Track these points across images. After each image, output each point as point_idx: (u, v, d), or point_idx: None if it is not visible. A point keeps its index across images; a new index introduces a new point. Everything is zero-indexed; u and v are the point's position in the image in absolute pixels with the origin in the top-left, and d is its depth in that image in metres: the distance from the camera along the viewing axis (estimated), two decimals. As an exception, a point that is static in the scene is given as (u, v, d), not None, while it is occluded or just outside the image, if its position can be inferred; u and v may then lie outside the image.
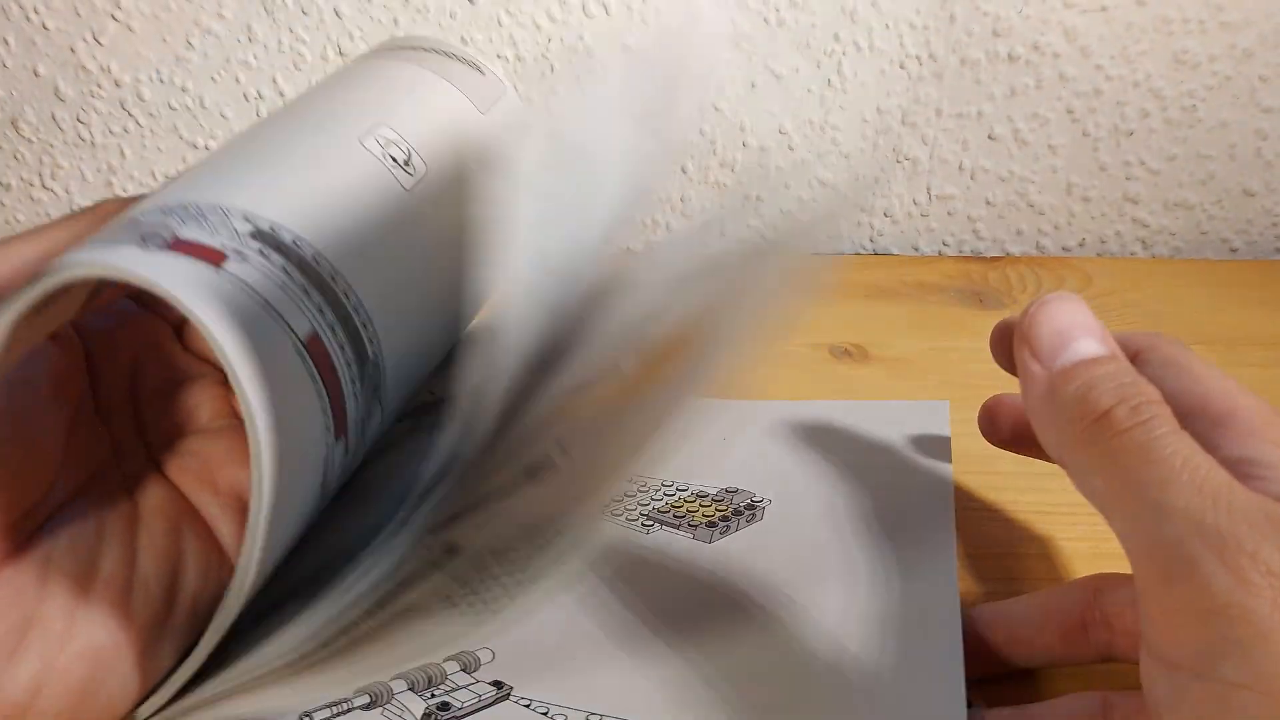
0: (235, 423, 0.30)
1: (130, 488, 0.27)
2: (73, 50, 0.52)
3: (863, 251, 0.56)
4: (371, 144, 0.30)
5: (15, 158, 0.55)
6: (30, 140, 0.54)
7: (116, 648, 0.24)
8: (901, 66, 0.50)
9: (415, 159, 0.31)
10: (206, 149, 0.54)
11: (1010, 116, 0.51)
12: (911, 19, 0.49)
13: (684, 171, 0.53)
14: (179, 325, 0.31)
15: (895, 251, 0.56)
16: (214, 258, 0.24)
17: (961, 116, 0.51)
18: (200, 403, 0.30)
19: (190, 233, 0.24)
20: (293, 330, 0.24)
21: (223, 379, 0.30)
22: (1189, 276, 0.52)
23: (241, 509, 0.27)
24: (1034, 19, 0.49)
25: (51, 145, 0.54)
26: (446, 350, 0.35)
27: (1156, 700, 0.21)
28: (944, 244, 0.55)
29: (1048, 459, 0.26)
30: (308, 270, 0.26)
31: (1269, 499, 0.20)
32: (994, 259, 0.54)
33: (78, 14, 0.51)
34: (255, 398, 0.21)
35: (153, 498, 0.27)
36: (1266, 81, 0.50)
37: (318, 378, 0.25)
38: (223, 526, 0.27)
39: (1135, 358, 0.24)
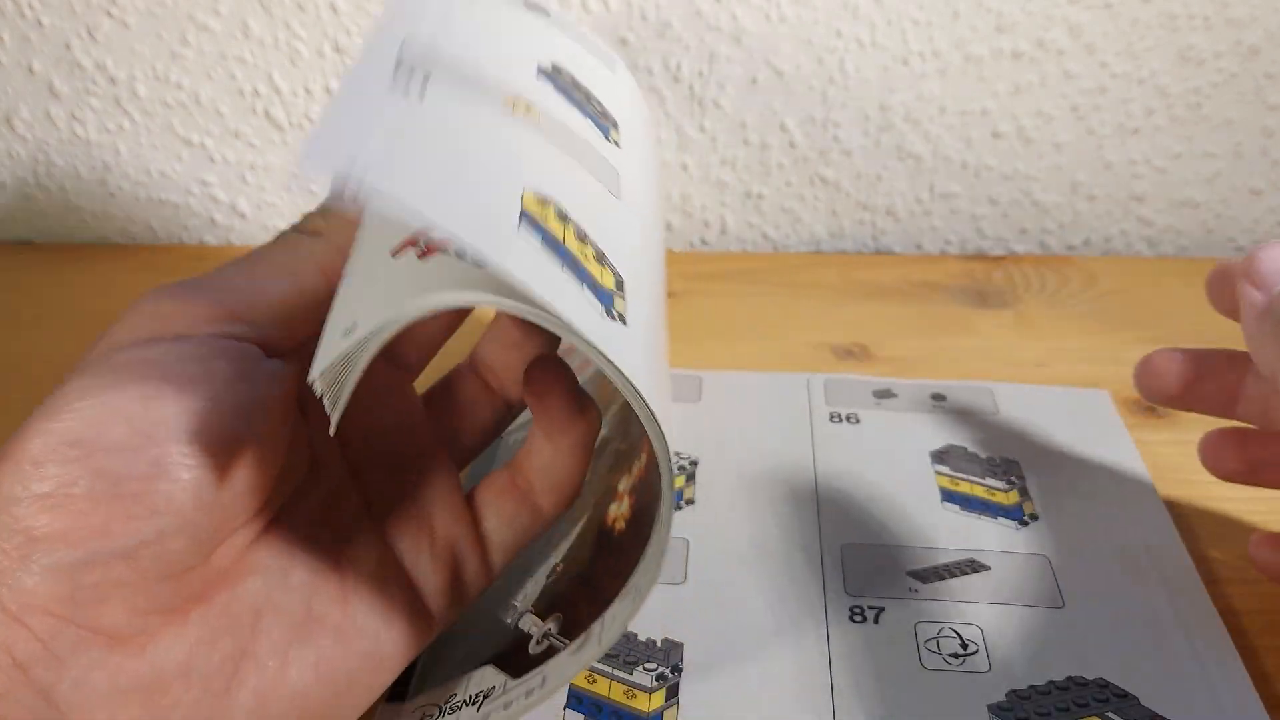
0: (447, 468, 0.29)
1: (344, 536, 0.26)
2: (67, 47, 0.51)
3: (865, 250, 0.55)
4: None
5: (10, 155, 0.54)
6: (25, 138, 0.54)
7: (325, 691, 0.24)
8: (904, 63, 0.50)
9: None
10: (202, 146, 0.53)
11: (1014, 114, 0.51)
12: (914, 15, 0.48)
13: (685, 169, 0.53)
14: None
15: (898, 250, 0.55)
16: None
17: (965, 114, 0.51)
18: (417, 450, 0.29)
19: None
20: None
21: (437, 423, 0.29)
22: (1195, 276, 0.51)
23: (451, 561, 0.27)
24: (1038, 15, 0.48)
25: (46, 143, 0.54)
26: None
27: None
28: (947, 242, 0.55)
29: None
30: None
31: None
32: (998, 258, 0.53)
33: (73, 10, 0.50)
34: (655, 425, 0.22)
35: (365, 550, 0.26)
36: (1273, 79, 0.49)
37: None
38: (429, 583, 0.27)
39: None
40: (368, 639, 0.25)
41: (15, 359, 0.46)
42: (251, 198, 0.55)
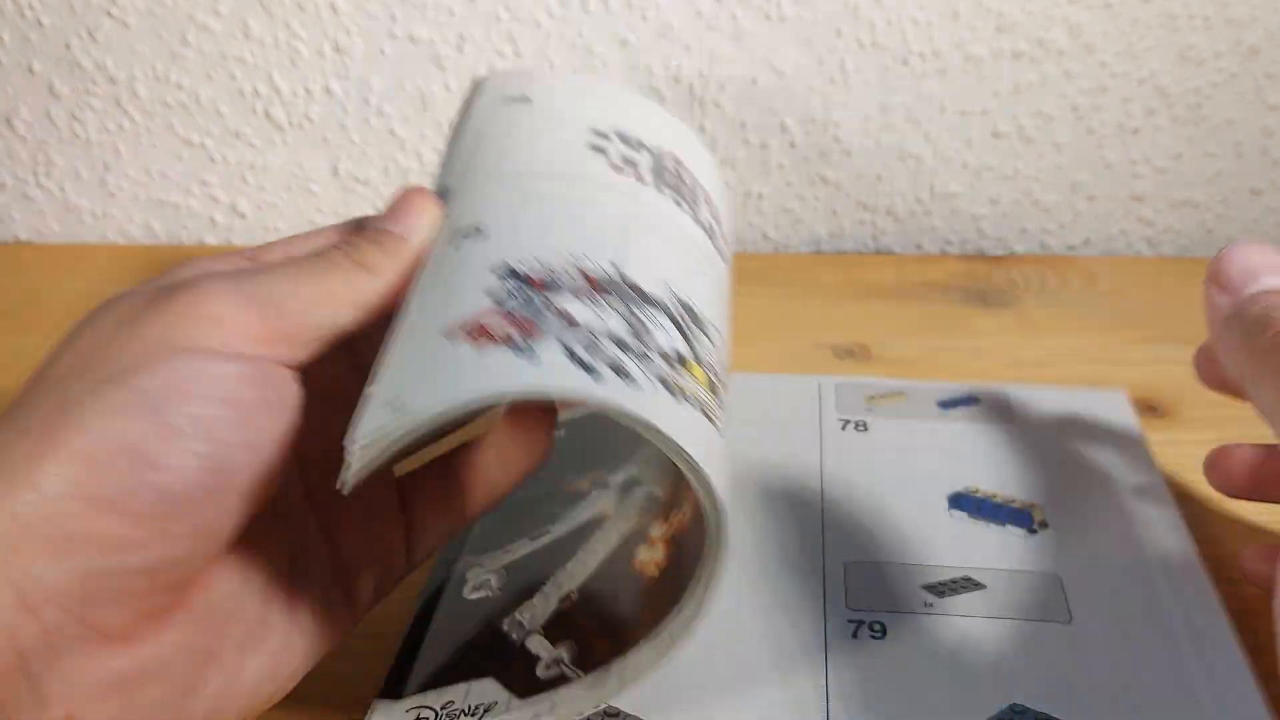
0: (388, 478, 0.30)
1: (298, 543, 0.27)
2: (68, 47, 0.51)
3: (865, 250, 0.55)
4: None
5: (10, 155, 0.54)
6: (25, 138, 0.54)
7: (271, 687, 0.25)
8: (904, 63, 0.50)
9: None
10: (202, 146, 0.53)
11: (1014, 114, 0.51)
12: (915, 15, 0.48)
13: (685, 169, 0.53)
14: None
15: (898, 250, 0.55)
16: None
17: (965, 114, 0.51)
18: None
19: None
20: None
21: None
22: (1195, 276, 0.50)
23: (384, 562, 0.28)
24: (1038, 15, 0.48)
25: (46, 143, 0.54)
26: None
27: None
28: (947, 242, 0.55)
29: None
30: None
31: None
32: (998, 258, 0.53)
33: (73, 11, 0.50)
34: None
35: (314, 557, 0.27)
36: (1273, 79, 0.49)
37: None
38: (363, 584, 0.28)
39: None
40: (309, 637, 0.26)
41: (15, 359, 0.46)
42: (251, 198, 0.55)
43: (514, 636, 0.29)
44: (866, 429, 0.39)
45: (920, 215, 0.54)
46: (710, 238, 0.30)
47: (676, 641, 0.24)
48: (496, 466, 0.29)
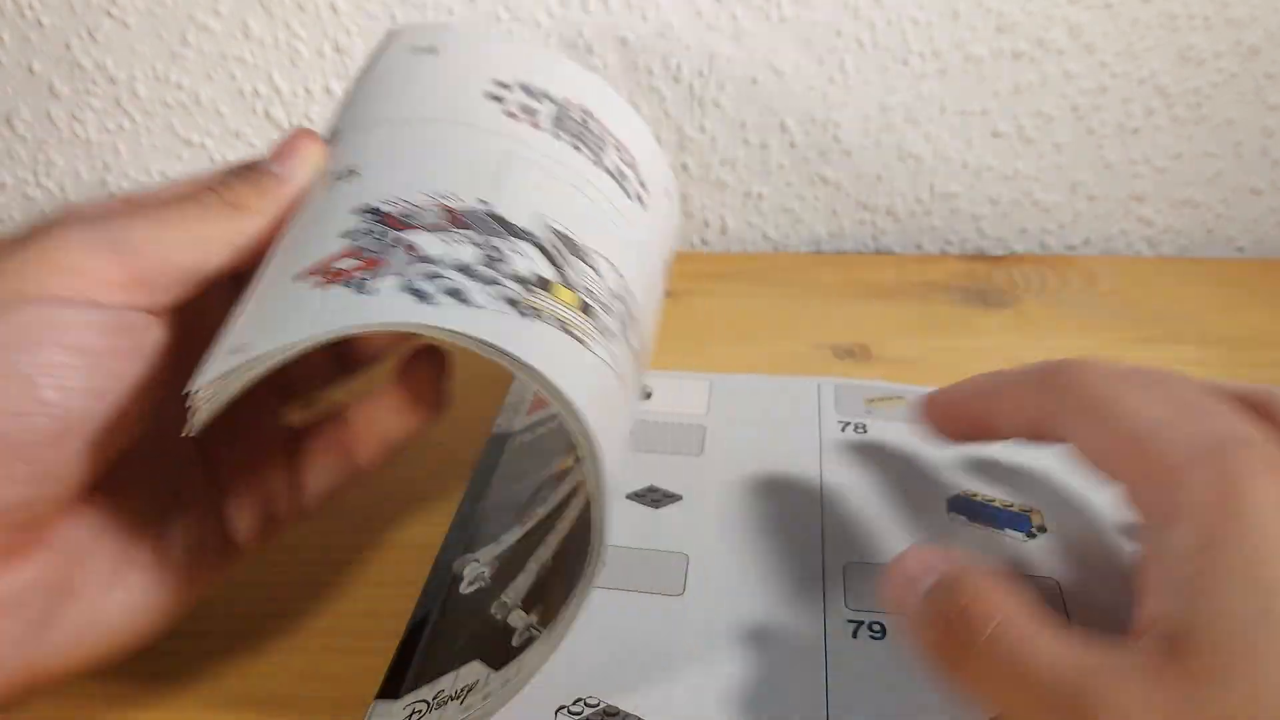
0: (275, 417, 0.30)
1: (173, 482, 0.27)
2: (68, 47, 0.51)
3: (865, 250, 0.55)
4: None
5: (10, 155, 0.54)
6: (25, 138, 0.54)
7: (137, 622, 0.25)
8: (904, 63, 0.50)
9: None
10: (202, 146, 0.53)
11: (1014, 114, 0.51)
12: (914, 15, 0.48)
13: (685, 169, 0.53)
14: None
15: (898, 250, 0.55)
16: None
17: (965, 113, 0.51)
18: (255, 405, 0.29)
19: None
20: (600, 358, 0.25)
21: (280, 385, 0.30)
22: (1195, 276, 0.51)
23: (268, 506, 0.28)
24: (1038, 15, 0.48)
25: (46, 142, 0.54)
26: None
27: None
28: (947, 242, 0.55)
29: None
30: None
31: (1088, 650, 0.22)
32: (998, 258, 0.53)
33: (73, 10, 0.50)
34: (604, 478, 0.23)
35: (190, 495, 0.27)
36: (1273, 79, 0.49)
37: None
38: (244, 525, 0.28)
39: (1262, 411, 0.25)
40: (180, 574, 0.26)
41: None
42: (251, 198, 0.55)
43: (499, 617, 0.30)
44: (866, 431, 0.39)
45: (920, 215, 0.54)
46: (618, 181, 0.31)
47: (592, 570, 0.24)
48: (391, 418, 0.29)
